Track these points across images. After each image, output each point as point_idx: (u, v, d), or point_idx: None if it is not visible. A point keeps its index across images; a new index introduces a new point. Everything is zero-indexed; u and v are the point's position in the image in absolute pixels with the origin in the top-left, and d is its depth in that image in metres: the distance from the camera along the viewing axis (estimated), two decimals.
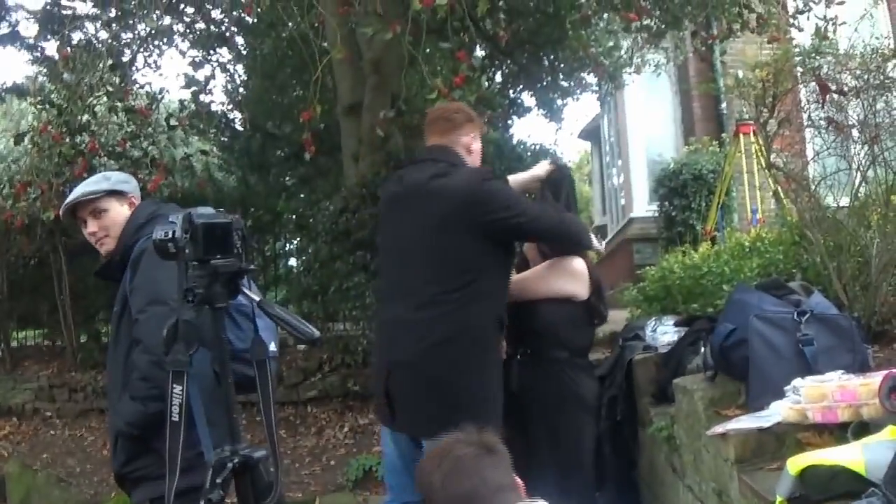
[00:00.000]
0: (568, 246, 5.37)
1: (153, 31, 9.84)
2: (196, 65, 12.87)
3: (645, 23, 9.71)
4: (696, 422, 4.73)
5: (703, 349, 5.43)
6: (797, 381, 3.90)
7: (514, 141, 14.29)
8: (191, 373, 3.47)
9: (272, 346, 4.40)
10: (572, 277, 5.40)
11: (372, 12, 7.95)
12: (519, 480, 3.18)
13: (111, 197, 4.70)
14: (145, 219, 4.60)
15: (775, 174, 8.03)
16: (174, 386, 3.29)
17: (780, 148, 8.41)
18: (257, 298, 3.36)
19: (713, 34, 10.67)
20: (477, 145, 5.17)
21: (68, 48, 10.04)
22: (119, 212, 4.69)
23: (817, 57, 7.62)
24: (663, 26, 9.97)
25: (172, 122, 11.65)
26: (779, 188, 9.80)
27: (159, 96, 11.14)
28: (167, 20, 11.42)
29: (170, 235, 3.22)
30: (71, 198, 4.75)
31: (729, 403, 4.56)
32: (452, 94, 7.42)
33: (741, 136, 11.28)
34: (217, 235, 3.23)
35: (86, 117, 9.57)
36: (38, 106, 9.60)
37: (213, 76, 13.83)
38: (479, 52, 10.63)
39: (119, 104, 10.13)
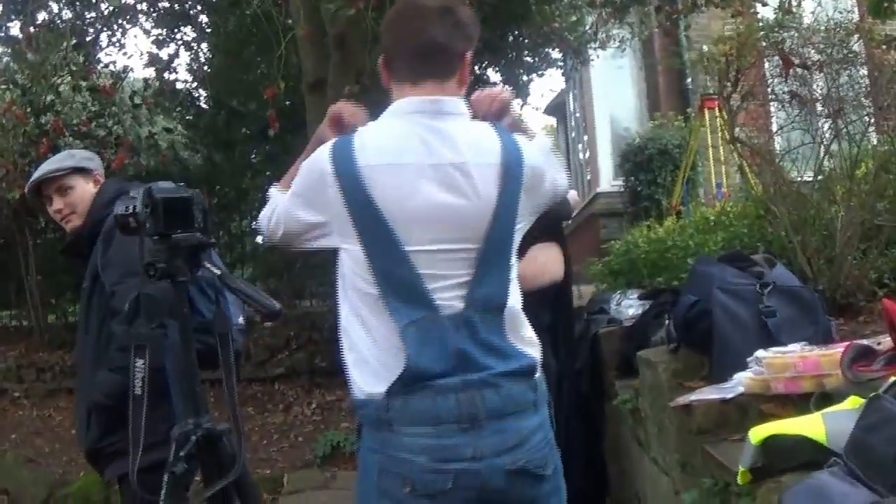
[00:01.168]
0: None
1: (116, 10, 9.74)
2: (160, 43, 12.79)
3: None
4: (659, 394, 4.73)
5: (667, 322, 5.44)
6: (760, 353, 3.90)
7: None
8: (166, 345, 3.50)
9: (239, 320, 4.51)
10: (559, 262, 4.82)
11: None
12: None
13: (76, 174, 4.75)
14: (113, 194, 4.58)
15: (740, 148, 8.01)
16: (136, 360, 3.29)
17: (745, 122, 8.43)
18: (218, 272, 3.35)
19: (678, 8, 10.63)
20: None
21: (32, 28, 9.94)
22: (85, 189, 4.75)
23: (781, 31, 7.62)
24: (627, 1, 9.95)
25: (136, 100, 11.59)
26: (743, 162, 9.83)
27: (123, 75, 11.03)
28: None
29: (130, 210, 3.21)
30: (36, 175, 4.80)
31: (692, 375, 4.56)
32: None
33: (706, 110, 11.32)
34: (177, 210, 3.23)
35: (50, 97, 9.49)
36: (2, 86, 9.52)
37: (177, 54, 13.81)
38: None
39: (83, 83, 10.04)
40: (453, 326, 2.75)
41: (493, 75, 15.37)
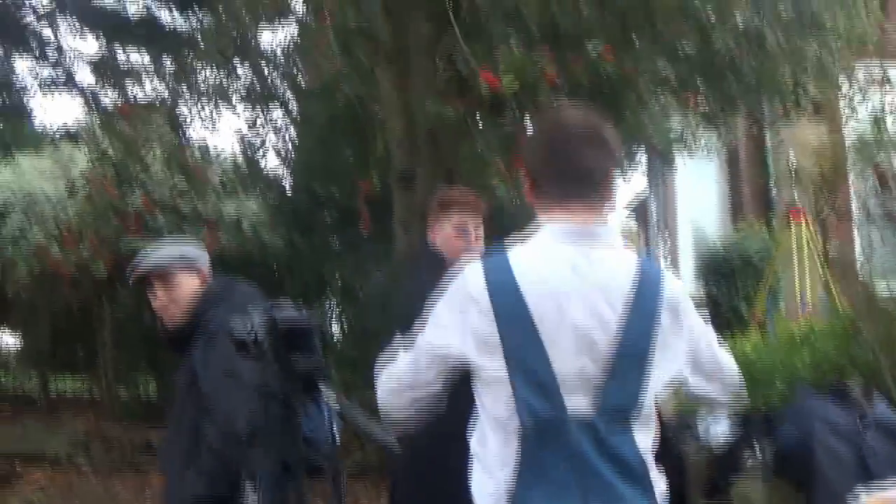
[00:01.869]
0: None
1: (211, 90, 9.82)
2: (251, 125, 12.88)
3: (700, 105, 9.63)
4: None
5: (757, 448, 5.31)
6: (861, 491, 3.78)
7: None
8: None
9: (336, 435, 4.41)
10: None
11: (433, 87, 7.90)
12: None
13: (182, 269, 4.71)
14: (218, 292, 4.62)
15: (830, 265, 7.89)
16: (249, 488, 3.25)
17: (836, 239, 8.32)
18: (337, 405, 3.30)
19: (769, 119, 10.55)
20: None
21: (128, 103, 10.05)
22: (189, 284, 4.69)
23: (877, 149, 7.54)
24: (719, 109, 9.88)
25: (227, 183, 11.67)
26: (828, 276, 9.68)
27: (215, 156, 11.10)
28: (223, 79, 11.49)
29: (249, 332, 3.17)
30: (142, 265, 4.76)
31: None
32: (513, 175, 7.35)
33: (792, 221, 11.16)
34: (297, 334, 3.19)
35: (139, 172, 9.57)
36: (96, 160, 9.60)
37: (265, 137, 13.88)
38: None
39: (175, 163, 10.11)
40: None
41: None
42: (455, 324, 2.93)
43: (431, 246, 5.04)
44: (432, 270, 5.16)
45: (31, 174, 14.31)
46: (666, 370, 2.92)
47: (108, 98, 11.94)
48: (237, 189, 13.02)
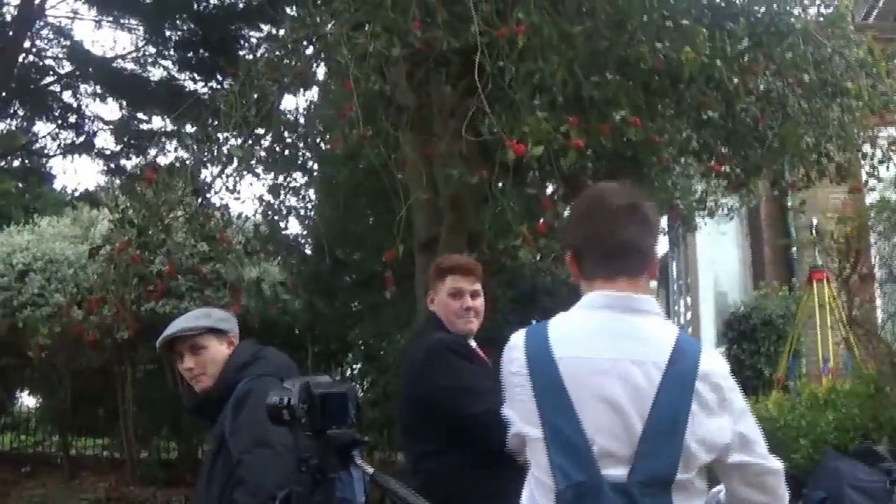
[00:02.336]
0: None
1: (234, 157, 9.89)
2: (273, 190, 12.97)
3: (724, 170, 9.69)
4: None
5: None
6: None
7: None
8: None
9: (361, 497, 4.50)
10: None
11: (457, 154, 7.98)
12: None
13: (211, 334, 4.73)
14: (248, 358, 4.67)
15: (854, 327, 7.91)
16: None
17: (860, 301, 8.35)
18: (370, 470, 3.35)
19: (791, 183, 10.59)
20: None
21: (153, 168, 10.13)
22: (217, 350, 4.72)
23: None
24: (742, 174, 9.94)
25: (249, 248, 11.74)
26: (851, 338, 9.70)
27: (238, 222, 11.17)
28: (246, 144, 11.57)
29: (285, 402, 3.22)
30: (169, 331, 4.76)
31: None
32: (537, 241, 7.40)
33: (814, 282, 11.21)
34: (333, 406, 3.24)
35: (162, 237, 9.63)
36: (118, 224, 9.65)
37: (287, 202, 13.95)
38: (551, 189, 10.55)
39: (199, 228, 10.17)
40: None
41: None
42: (507, 395, 3.13)
43: (431, 311, 5.11)
44: (430, 334, 5.25)
45: (52, 237, 14.50)
46: (705, 443, 2.91)
47: (130, 162, 11.94)
48: (258, 253, 13.07)
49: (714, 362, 2.99)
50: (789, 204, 13.40)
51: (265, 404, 3.31)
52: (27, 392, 18.12)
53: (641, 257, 3.12)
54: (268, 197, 13.12)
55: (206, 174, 10.85)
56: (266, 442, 4.14)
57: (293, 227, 15.35)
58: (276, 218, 13.40)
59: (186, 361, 4.72)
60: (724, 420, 2.93)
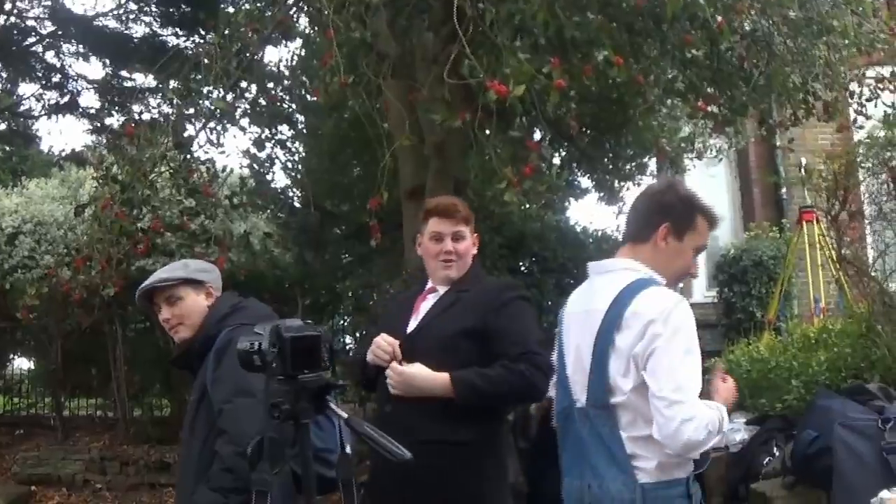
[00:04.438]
0: None
1: (217, 110, 9.74)
2: (258, 143, 12.82)
3: (710, 110, 9.56)
4: None
5: (776, 450, 5.27)
6: (884, 493, 3.74)
7: (578, 228, 14.06)
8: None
9: (347, 447, 4.37)
10: None
11: (439, 99, 7.85)
12: None
13: (187, 285, 4.70)
14: (228, 309, 4.64)
15: (844, 266, 7.84)
16: (258, 500, 3.23)
17: (850, 239, 8.27)
18: (345, 415, 3.26)
19: (778, 121, 10.46)
20: None
21: (133, 124, 9.99)
22: (195, 301, 4.69)
23: (891, 149, 7.49)
24: (728, 114, 9.80)
25: (235, 200, 11.62)
26: (842, 277, 9.65)
27: (222, 175, 11.02)
28: (229, 97, 11.42)
29: (256, 348, 3.14)
30: (147, 283, 4.74)
31: None
32: (522, 184, 7.29)
33: (804, 223, 11.12)
34: (305, 349, 3.15)
35: (147, 192, 9.49)
36: (101, 181, 9.52)
37: (273, 155, 13.82)
38: (539, 135, 10.41)
39: (182, 182, 10.04)
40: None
41: (586, 182, 15.28)
42: None
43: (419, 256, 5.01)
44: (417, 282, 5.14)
45: (40, 199, 14.35)
46: (622, 372, 3.63)
47: (114, 120, 11.74)
48: (244, 205, 12.94)
49: (645, 303, 3.63)
50: (777, 144, 13.34)
51: (237, 353, 3.23)
52: (19, 354, 17.99)
53: (644, 226, 3.88)
54: (253, 150, 13.06)
55: (189, 129, 10.74)
56: (247, 390, 4.10)
57: (281, 180, 15.23)
58: (261, 171, 13.31)
59: (163, 312, 4.70)
60: (639, 348, 3.56)
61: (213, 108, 9.23)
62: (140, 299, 4.84)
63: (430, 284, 4.90)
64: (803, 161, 11.88)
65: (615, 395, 3.63)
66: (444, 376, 4.42)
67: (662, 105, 10.77)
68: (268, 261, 14.38)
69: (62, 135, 56.12)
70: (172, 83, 10.76)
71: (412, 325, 4.77)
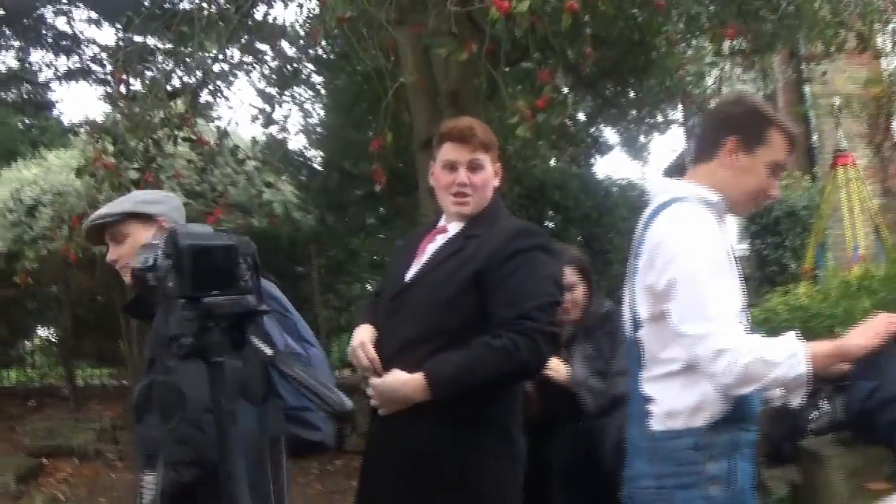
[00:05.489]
0: None
1: (217, 58, 9.10)
2: (265, 97, 12.13)
3: (736, 46, 8.79)
4: (831, 495, 3.75)
5: (823, 404, 4.52)
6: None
7: (600, 176, 13.35)
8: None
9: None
10: None
11: (446, 31, 7.12)
12: None
13: (133, 220, 3.89)
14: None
15: (880, 206, 7.12)
16: (143, 475, 2.44)
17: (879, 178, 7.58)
18: (269, 352, 2.46)
19: (807, 55, 9.66)
20: None
21: (125, 75, 9.36)
22: (143, 238, 3.78)
23: None
24: (756, 49, 9.02)
25: (240, 155, 10.95)
26: (881, 223, 8.98)
27: (226, 127, 10.39)
28: (236, 55, 10.88)
29: (150, 263, 2.33)
30: (87, 221, 4.03)
31: (874, 475, 3.60)
32: (536, 117, 6.54)
33: (839, 167, 10.30)
34: (213, 264, 2.31)
35: (150, 149, 8.85)
36: (95, 136, 8.89)
37: (289, 114, 13.27)
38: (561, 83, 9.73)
39: (179, 133, 9.34)
40: None
41: (611, 136, 14.59)
42: None
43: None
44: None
45: (59, 168, 13.82)
46: (645, 293, 3.21)
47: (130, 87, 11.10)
48: (261, 169, 12.35)
49: (658, 224, 3.20)
50: (806, 84, 12.52)
51: (132, 272, 2.45)
52: (40, 327, 17.56)
53: (708, 143, 3.35)
54: (268, 109, 12.49)
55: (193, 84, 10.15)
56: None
57: (300, 142, 14.69)
58: (275, 132, 12.76)
59: (110, 252, 3.91)
60: (652, 275, 3.14)
61: (209, 56, 8.47)
62: (90, 238, 4.15)
63: (442, 222, 4.04)
64: (836, 101, 11.01)
65: (639, 328, 3.25)
66: (418, 378, 3.63)
67: (686, 44, 9.97)
68: (288, 223, 13.76)
69: (77, 102, 55.13)
70: (183, 48, 10.16)
71: (411, 273, 3.93)
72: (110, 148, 8.99)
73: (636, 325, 3.25)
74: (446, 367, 3.61)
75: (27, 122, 19.62)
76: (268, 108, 12.30)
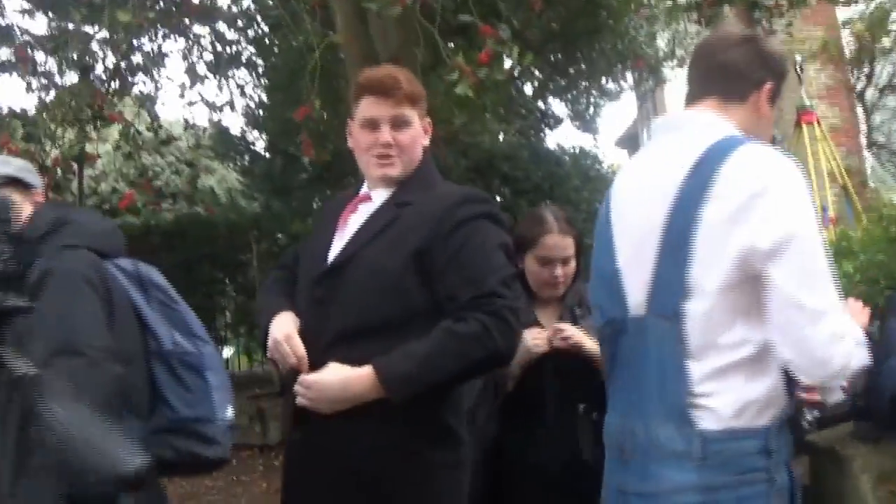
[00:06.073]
0: None
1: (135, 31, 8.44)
2: (198, 79, 11.34)
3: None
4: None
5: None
6: None
7: (551, 146, 12.67)
8: None
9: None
10: None
11: None
12: None
13: (12, 187, 3.15)
14: (48, 227, 2.99)
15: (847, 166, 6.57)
16: None
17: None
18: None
19: (768, 6, 8.96)
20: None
21: (28, 48, 8.76)
22: (23, 210, 3.03)
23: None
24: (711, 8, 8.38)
25: (162, 135, 10.25)
26: (848, 184, 8.44)
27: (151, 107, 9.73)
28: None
29: None
30: None
31: None
32: (478, 72, 5.84)
33: (803, 126, 9.60)
34: None
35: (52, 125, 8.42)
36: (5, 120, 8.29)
37: (231, 100, 12.54)
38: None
39: (87, 108, 8.63)
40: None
41: (560, 108, 13.96)
42: None
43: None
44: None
45: None
46: (716, 268, 2.38)
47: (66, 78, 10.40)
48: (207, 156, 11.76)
49: (745, 165, 2.41)
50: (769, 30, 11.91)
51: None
52: None
53: (741, 81, 2.67)
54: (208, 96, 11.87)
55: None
56: (73, 348, 2.63)
57: (238, 123, 14.11)
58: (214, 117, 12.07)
59: None
60: (745, 230, 2.36)
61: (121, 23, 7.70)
62: None
63: (364, 189, 3.28)
64: (798, 58, 10.29)
65: (692, 297, 2.42)
66: (369, 374, 2.91)
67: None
68: (233, 210, 13.13)
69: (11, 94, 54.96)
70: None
71: (335, 250, 3.16)
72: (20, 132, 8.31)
73: (684, 291, 2.44)
74: (403, 361, 2.91)
75: None
76: (200, 93, 11.77)
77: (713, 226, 2.40)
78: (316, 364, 2.98)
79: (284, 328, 3.10)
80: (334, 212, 3.31)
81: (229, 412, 3.12)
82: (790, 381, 2.44)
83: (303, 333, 3.09)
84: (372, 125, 3.15)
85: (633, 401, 2.61)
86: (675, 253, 2.46)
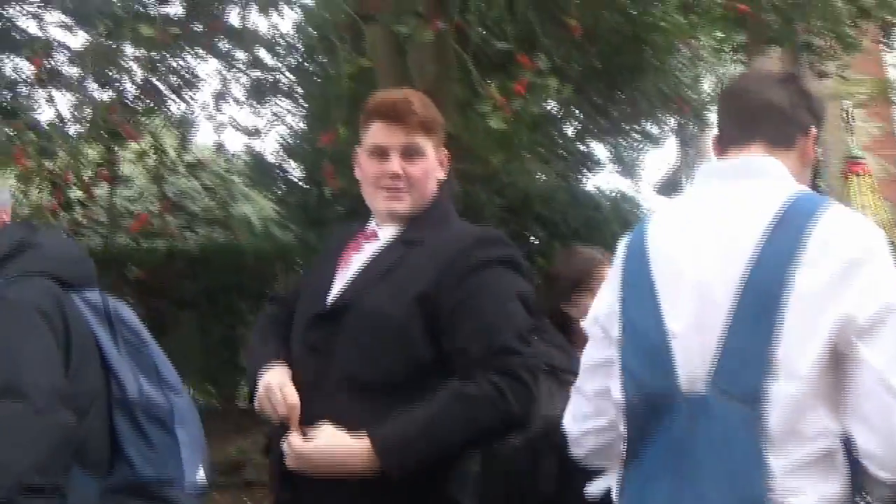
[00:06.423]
0: None
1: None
2: (217, 98, 11.20)
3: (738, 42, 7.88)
4: None
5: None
6: None
7: (590, 189, 12.37)
8: None
9: (198, 474, 2.80)
10: None
11: (409, 11, 6.29)
12: None
13: None
14: (9, 250, 2.67)
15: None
16: None
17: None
18: None
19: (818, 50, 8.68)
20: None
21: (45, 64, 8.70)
22: None
23: None
24: (771, 38, 8.13)
25: (188, 158, 10.17)
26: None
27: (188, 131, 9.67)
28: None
29: None
30: None
31: None
32: (512, 104, 5.55)
33: (852, 177, 9.16)
34: None
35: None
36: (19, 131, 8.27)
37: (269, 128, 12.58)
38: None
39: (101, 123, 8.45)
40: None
41: (601, 150, 13.73)
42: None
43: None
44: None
45: None
46: (809, 345, 2.04)
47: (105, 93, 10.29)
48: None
49: (840, 230, 2.13)
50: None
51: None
52: None
53: (790, 125, 2.45)
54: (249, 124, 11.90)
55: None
56: (15, 389, 2.34)
57: (272, 150, 14.04)
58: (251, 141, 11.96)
59: None
60: (841, 300, 2.03)
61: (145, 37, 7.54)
62: None
63: (371, 225, 2.95)
64: (846, 105, 9.91)
65: (777, 377, 2.08)
66: (363, 446, 2.53)
67: (683, 36, 8.99)
68: (268, 240, 13.25)
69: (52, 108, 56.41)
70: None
71: (335, 292, 2.83)
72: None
73: (769, 370, 2.08)
74: (400, 428, 2.56)
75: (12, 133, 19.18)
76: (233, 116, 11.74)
77: (806, 295, 2.09)
78: (307, 419, 2.62)
79: (278, 378, 2.74)
80: (341, 242, 2.99)
81: (200, 474, 2.79)
82: (856, 479, 2.12)
83: (295, 383, 2.73)
84: (380, 154, 2.84)
85: (683, 490, 2.20)
86: (755, 322, 2.12)
